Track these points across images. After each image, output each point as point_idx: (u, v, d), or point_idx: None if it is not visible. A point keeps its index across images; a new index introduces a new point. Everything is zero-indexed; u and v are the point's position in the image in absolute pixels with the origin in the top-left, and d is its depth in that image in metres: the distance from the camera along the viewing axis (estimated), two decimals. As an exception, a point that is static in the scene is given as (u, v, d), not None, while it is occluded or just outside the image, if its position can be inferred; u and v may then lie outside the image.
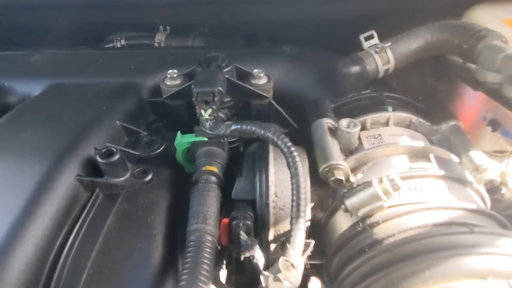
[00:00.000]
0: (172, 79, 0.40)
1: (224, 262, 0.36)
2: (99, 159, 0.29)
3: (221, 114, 0.40)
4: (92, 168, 0.31)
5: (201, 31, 0.60)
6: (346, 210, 0.30)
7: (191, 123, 0.40)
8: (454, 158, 0.34)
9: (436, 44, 0.40)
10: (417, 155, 0.32)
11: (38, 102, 0.38)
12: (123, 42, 0.61)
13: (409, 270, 0.22)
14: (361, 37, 0.41)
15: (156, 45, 0.59)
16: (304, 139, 0.37)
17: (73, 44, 0.60)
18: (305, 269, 0.38)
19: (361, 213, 0.28)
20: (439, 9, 0.53)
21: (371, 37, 0.41)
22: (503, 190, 0.42)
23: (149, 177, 0.31)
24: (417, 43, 0.40)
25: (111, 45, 0.62)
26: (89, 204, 0.29)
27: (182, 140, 0.36)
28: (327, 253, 0.32)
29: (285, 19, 0.55)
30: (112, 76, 0.44)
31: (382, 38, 0.42)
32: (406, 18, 0.52)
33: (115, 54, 0.49)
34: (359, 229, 0.28)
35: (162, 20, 0.59)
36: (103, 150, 0.30)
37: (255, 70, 0.40)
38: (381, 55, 0.39)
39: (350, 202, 0.29)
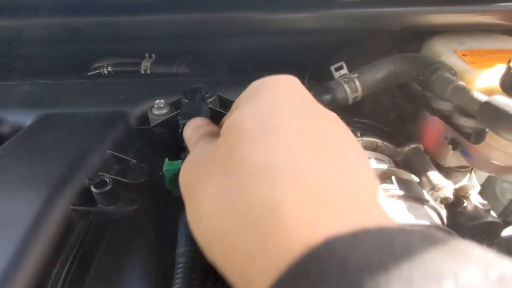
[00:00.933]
0: (159, 108, 0.43)
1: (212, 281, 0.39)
2: (93, 189, 0.31)
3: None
4: (85, 197, 0.33)
5: (185, 58, 0.63)
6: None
7: (177, 149, 0.43)
8: (415, 178, 0.38)
9: (397, 74, 0.44)
10: (381, 176, 0.35)
11: (30, 134, 0.40)
12: (109, 69, 0.64)
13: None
14: (332, 68, 0.45)
15: (143, 72, 0.62)
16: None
17: (60, 71, 0.62)
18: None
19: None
20: (403, 38, 0.58)
21: (341, 67, 0.46)
22: (465, 203, 0.46)
23: (139, 205, 0.34)
24: (381, 73, 0.45)
25: (97, 71, 0.65)
26: (83, 232, 0.32)
27: (170, 167, 0.38)
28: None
29: (266, 48, 0.60)
30: (101, 105, 0.46)
31: (350, 64, 0.46)
32: (373, 45, 0.57)
33: (103, 83, 0.52)
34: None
35: (147, 48, 0.62)
36: (97, 180, 0.32)
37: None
38: (350, 85, 0.44)
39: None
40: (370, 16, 0.48)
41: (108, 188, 0.32)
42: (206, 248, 0.16)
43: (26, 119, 0.44)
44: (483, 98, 0.34)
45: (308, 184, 0.14)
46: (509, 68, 0.37)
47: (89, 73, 0.65)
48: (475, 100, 0.34)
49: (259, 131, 0.16)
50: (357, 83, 0.44)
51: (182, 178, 0.21)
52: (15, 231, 0.28)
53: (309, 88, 0.44)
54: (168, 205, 0.40)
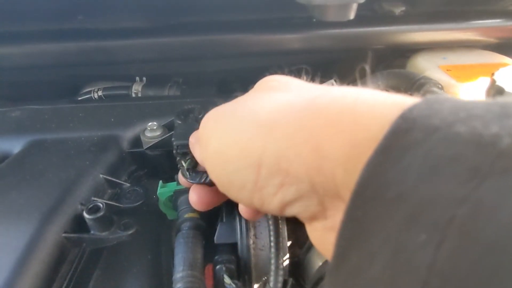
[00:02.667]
0: (152, 130, 0.43)
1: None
2: (86, 215, 0.31)
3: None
4: (78, 224, 0.32)
5: (175, 80, 0.64)
6: (320, 246, 0.33)
7: (171, 171, 0.43)
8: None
9: (386, 90, 0.46)
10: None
11: (20, 160, 0.39)
12: (100, 93, 0.64)
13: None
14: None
15: (133, 95, 0.62)
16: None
17: (50, 96, 0.62)
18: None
19: (333, 248, 0.31)
20: (389, 55, 0.60)
21: (331, 85, 0.47)
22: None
23: (133, 229, 0.33)
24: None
25: (88, 96, 0.65)
26: (76, 260, 0.30)
27: (164, 189, 0.38)
28: (306, 288, 0.34)
29: (255, 68, 0.61)
30: (93, 129, 0.46)
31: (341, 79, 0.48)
32: (359, 63, 0.59)
33: (94, 107, 0.51)
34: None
35: (138, 71, 0.63)
36: (90, 206, 0.31)
37: (230, 119, 0.44)
38: (340, 101, 0.45)
39: (322, 238, 0.32)
40: (355, 35, 0.50)
41: (101, 213, 0.31)
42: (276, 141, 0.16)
43: (15, 145, 0.43)
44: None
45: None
46: (493, 80, 0.39)
47: (79, 98, 0.65)
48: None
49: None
50: (347, 99, 0.45)
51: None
52: (5, 262, 0.27)
53: None
54: (164, 228, 0.39)
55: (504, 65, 0.51)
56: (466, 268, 0.09)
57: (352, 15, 0.38)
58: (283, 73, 0.21)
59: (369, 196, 0.12)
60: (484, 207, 0.09)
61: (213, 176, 0.20)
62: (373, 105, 0.14)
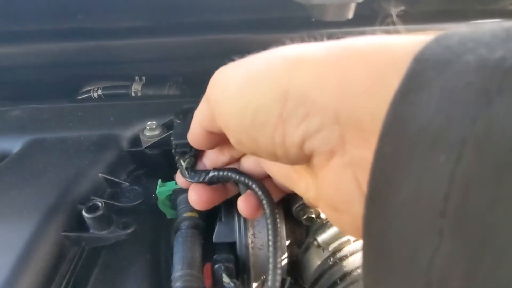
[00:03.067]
0: (151, 130, 0.43)
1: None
2: (85, 214, 0.31)
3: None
4: (77, 223, 0.32)
5: (175, 80, 0.64)
6: (319, 246, 0.33)
7: (170, 170, 0.43)
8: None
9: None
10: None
11: (20, 159, 0.39)
12: (99, 92, 0.64)
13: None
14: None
15: (133, 94, 0.62)
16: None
17: (49, 95, 0.62)
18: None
19: (331, 247, 0.31)
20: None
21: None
22: None
23: (132, 228, 0.33)
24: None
25: (87, 95, 0.65)
26: (76, 259, 0.31)
27: (163, 189, 0.38)
28: (305, 287, 0.35)
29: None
30: (92, 128, 0.46)
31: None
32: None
33: (94, 107, 0.51)
34: (330, 263, 0.31)
35: (137, 71, 0.63)
36: (89, 205, 0.32)
37: (229, 118, 0.44)
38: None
39: (321, 238, 0.32)
40: (353, 35, 0.50)
41: (100, 212, 0.31)
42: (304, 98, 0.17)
43: (14, 144, 0.43)
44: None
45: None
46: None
47: (79, 97, 0.65)
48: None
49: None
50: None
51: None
52: (6, 260, 0.27)
53: None
54: (163, 227, 0.39)
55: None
56: (482, 176, 0.10)
57: (350, 15, 0.38)
58: None
59: (395, 134, 0.13)
60: (495, 122, 0.10)
61: (232, 119, 0.20)
62: (395, 40, 0.15)
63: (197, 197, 0.29)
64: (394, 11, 0.54)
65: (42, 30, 0.52)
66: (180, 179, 0.32)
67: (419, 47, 0.13)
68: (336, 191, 0.18)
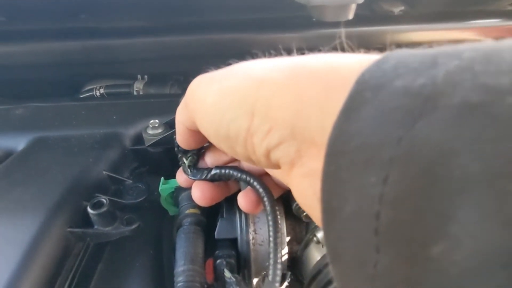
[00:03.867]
0: (154, 128, 0.44)
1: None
2: (90, 211, 0.31)
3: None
4: (82, 219, 0.33)
5: (177, 78, 0.65)
6: (318, 242, 0.33)
7: (172, 167, 0.43)
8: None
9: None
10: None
11: (24, 157, 0.40)
12: (102, 91, 0.64)
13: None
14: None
15: (135, 93, 0.62)
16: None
17: (52, 94, 0.63)
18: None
19: (330, 244, 0.32)
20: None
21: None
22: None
23: (136, 225, 0.34)
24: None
25: (90, 94, 0.65)
26: (81, 254, 0.31)
27: (166, 186, 0.39)
28: (304, 283, 0.35)
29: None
30: (95, 127, 0.46)
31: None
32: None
33: (97, 105, 0.52)
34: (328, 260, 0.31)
35: (139, 69, 0.63)
36: (94, 202, 0.32)
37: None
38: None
39: (320, 234, 0.33)
40: (354, 36, 0.50)
41: (105, 209, 0.32)
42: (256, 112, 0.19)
43: (19, 143, 0.44)
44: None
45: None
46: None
47: (81, 96, 0.66)
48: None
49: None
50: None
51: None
52: (12, 256, 0.28)
53: None
54: (165, 224, 0.40)
55: (501, 64, 0.52)
56: (406, 194, 0.11)
57: (351, 15, 0.38)
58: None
59: (337, 152, 0.14)
60: (416, 143, 0.11)
61: (210, 129, 0.22)
62: (345, 60, 0.17)
63: (201, 193, 0.29)
64: (394, 11, 0.54)
65: (46, 29, 0.53)
66: (181, 178, 0.32)
67: (363, 69, 0.14)
68: (300, 197, 0.20)
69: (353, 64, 0.16)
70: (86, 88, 0.66)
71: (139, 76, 0.64)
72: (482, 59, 0.12)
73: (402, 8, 0.55)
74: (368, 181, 0.12)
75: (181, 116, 0.27)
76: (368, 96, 0.13)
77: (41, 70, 0.58)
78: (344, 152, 0.14)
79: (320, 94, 0.16)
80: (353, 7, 0.37)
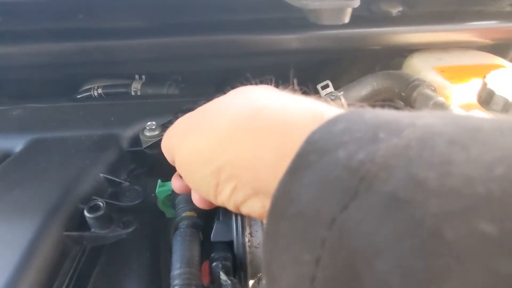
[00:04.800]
0: (151, 130, 0.44)
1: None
2: (87, 214, 0.32)
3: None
4: (79, 222, 0.33)
5: (175, 78, 0.65)
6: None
7: (169, 169, 0.44)
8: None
9: (381, 90, 0.46)
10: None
11: (22, 159, 0.40)
12: (100, 91, 0.64)
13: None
14: (318, 87, 0.47)
15: (133, 93, 0.62)
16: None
17: (49, 94, 0.63)
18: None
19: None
20: (386, 55, 0.61)
21: (327, 86, 0.47)
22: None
23: (133, 227, 0.34)
24: (365, 90, 0.47)
25: (87, 94, 0.65)
26: (77, 257, 0.32)
27: (163, 189, 0.39)
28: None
29: (254, 67, 0.61)
30: (92, 128, 0.46)
31: (336, 82, 0.48)
32: (357, 63, 0.60)
33: (94, 106, 0.52)
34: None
35: (137, 70, 0.63)
36: (90, 205, 0.32)
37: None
38: (336, 102, 0.45)
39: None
40: (353, 37, 0.50)
41: (101, 212, 0.32)
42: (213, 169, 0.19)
43: (16, 144, 0.44)
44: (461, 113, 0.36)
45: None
46: (484, 83, 0.40)
47: (79, 96, 0.65)
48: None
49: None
50: (343, 100, 0.45)
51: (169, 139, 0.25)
52: (8, 259, 0.28)
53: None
54: (162, 226, 0.40)
55: (497, 66, 0.52)
56: (335, 282, 0.11)
57: (347, 19, 0.38)
58: (252, 83, 0.24)
59: (278, 214, 0.14)
60: (346, 228, 0.11)
61: (186, 181, 0.23)
62: (298, 118, 0.17)
63: (200, 196, 0.29)
64: (392, 12, 0.54)
65: (43, 30, 0.52)
66: (176, 183, 0.32)
67: (315, 127, 0.14)
68: None
69: (307, 119, 0.16)
70: (84, 88, 0.66)
71: (136, 76, 0.64)
72: (418, 142, 0.11)
73: (400, 9, 0.55)
74: (303, 258, 0.12)
75: (166, 157, 0.27)
76: (313, 159, 0.13)
77: (38, 70, 0.58)
78: (284, 217, 0.13)
79: (273, 154, 0.17)
80: (349, 10, 0.37)
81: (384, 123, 0.13)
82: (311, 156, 0.13)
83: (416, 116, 0.13)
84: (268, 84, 0.24)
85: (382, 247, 0.10)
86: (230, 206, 0.20)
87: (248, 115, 0.19)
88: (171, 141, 0.24)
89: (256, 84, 0.23)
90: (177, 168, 0.24)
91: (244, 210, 0.20)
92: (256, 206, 0.19)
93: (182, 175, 0.24)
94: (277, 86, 0.23)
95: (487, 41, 0.56)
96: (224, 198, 0.20)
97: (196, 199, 0.30)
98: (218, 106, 0.22)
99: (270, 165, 0.17)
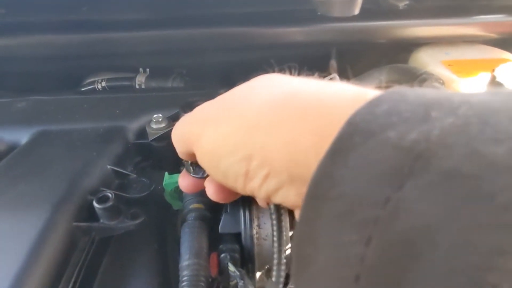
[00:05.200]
0: (157, 122, 0.44)
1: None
2: (96, 205, 0.32)
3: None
4: (87, 213, 0.33)
5: (179, 71, 0.64)
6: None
7: (175, 162, 0.44)
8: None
9: (388, 84, 0.46)
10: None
11: (28, 151, 0.40)
12: (104, 84, 0.64)
13: None
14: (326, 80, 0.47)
15: (137, 86, 0.62)
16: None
17: (53, 86, 0.62)
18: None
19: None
20: (393, 49, 0.60)
21: (334, 79, 0.47)
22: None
23: (141, 219, 0.34)
24: (373, 84, 0.47)
25: (91, 86, 0.65)
26: (87, 248, 0.32)
27: (170, 181, 0.39)
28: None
29: (259, 60, 0.61)
30: (98, 121, 0.46)
31: (342, 76, 0.48)
32: (364, 56, 0.59)
33: (99, 99, 0.52)
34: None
35: (141, 63, 0.63)
36: (99, 196, 0.32)
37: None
38: (343, 95, 0.45)
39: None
40: (359, 30, 0.50)
41: (110, 203, 0.32)
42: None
43: (22, 136, 0.44)
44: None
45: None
46: (493, 76, 0.40)
47: (83, 89, 0.65)
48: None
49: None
50: (349, 93, 0.45)
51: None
52: (19, 250, 0.28)
53: None
54: (169, 218, 0.40)
55: (505, 60, 0.52)
56: (389, 261, 0.11)
57: (357, 11, 0.38)
58: (273, 71, 0.23)
59: (318, 196, 0.13)
60: (403, 207, 0.11)
61: (209, 172, 0.23)
62: (338, 95, 0.17)
63: (215, 189, 0.28)
64: (399, 5, 0.54)
65: (48, 22, 0.52)
66: (184, 182, 0.30)
67: (355, 109, 0.14)
68: None
69: (346, 101, 0.16)
70: (87, 81, 0.66)
71: (141, 70, 0.64)
72: (478, 119, 0.11)
73: (407, 2, 0.54)
74: (349, 238, 0.12)
75: (178, 147, 0.26)
76: (357, 141, 0.13)
77: (41, 62, 0.58)
78: (325, 199, 0.13)
79: (313, 135, 0.16)
80: (359, 2, 0.37)
81: (434, 102, 0.13)
82: (355, 138, 0.13)
83: (467, 94, 0.13)
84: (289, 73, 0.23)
85: (446, 222, 0.10)
86: (261, 195, 0.19)
87: (281, 98, 0.18)
88: (189, 131, 0.23)
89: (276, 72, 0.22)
90: (198, 158, 0.23)
91: (277, 199, 0.19)
92: (291, 195, 0.18)
93: (204, 165, 0.23)
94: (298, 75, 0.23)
95: (493, 35, 0.56)
96: (255, 187, 0.19)
97: (212, 192, 0.28)
98: (243, 92, 0.21)
99: (309, 149, 0.16)
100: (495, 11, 0.56)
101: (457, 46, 0.55)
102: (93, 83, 0.65)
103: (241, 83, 0.22)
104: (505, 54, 0.54)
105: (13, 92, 0.55)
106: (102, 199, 0.32)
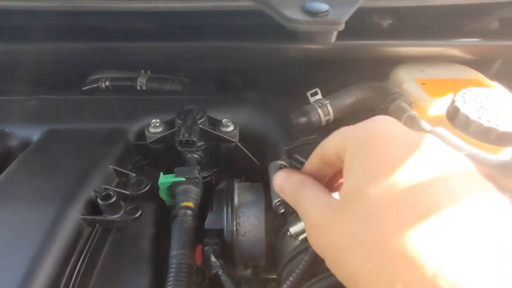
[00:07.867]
0: (155, 127, 0.49)
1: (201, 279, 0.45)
2: (100, 202, 0.37)
3: (196, 156, 0.49)
4: (92, 208, 0.39)
5: (178, 75, 0.69)
6: (291, 236, 0.39)
7: (170, 162, 0.49)
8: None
9: (364, 101, 0.51)
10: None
11: (40, 150, 0.45)
12: (108, 83, 0.69)
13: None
14: (308, 94, 0.52)
15: (138, 87, 0.67)
16: (265, 175, 0.47)
17: (56, 83, 0.66)
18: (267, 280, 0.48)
19: (300, 238, 0.38)
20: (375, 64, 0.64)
21: (316, 93, 0.52)
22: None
23: (138, 213, 0.39)
24: (350, 100, 0.51)
25: (95, 85, 0.69)
26: (90, 238, 0.37)
27: (164, 180, 0.44)
28: (278, 269, 0.42)
29: (253, 69, 0.65)
30: (102, 121, 0.51)
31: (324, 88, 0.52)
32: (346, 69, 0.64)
33: (103, 100, 0.57)
34: (298, 250, 0.37)
35: (142, 65, 0.68)
36: (103, 193, 0.38)
37: (224, 120, 0.50)
38: (322, 109, 0.50)
39: (293, 229, 0.39)
40: (343, 48, 0.54)
41: (113, 200, 0.37)
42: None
43: (33, 134, 0.49)
44: (427, 128, 0.41)
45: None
46: (453, 100, 0.44)
47: (87, 86, 0.70)
48: (421, 130, 0.41)
49: (389, 204, 0.18)
50: (329, 107, 0.50)
51: (315, 240, 0.24)
52: (34, 238, 0.33)
53: (289, 113, 0.51)
54: (163, 213, 0.46)
55: (476, 81, 0.56)
56: None
57: (333, 40, 0.43)
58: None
59: None
60: None
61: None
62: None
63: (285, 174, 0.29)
64: (383, 24, 0.58)
65: (50, 28, 0.55)
66: (277, 181, 0.31)
67: None
68: None
69: None
70: (91, 78, 0.70)
71: (142, 71, 0.68)
72: None
73: (391, 21, 0.59)
74: None
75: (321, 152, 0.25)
76: None
77: (51, 66, 0.62)
78: None
79: None
80: (335, 33, 0.41)
81: None
82: None
83: None
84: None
85: None
86: None
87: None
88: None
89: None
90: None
91: None
92: None
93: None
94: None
95: (470, 56, 0.60)
96: None
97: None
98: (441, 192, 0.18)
99: None
100: (473, 34, 0.60)
101: (434, 65, 0.59)
102: (97, 81, 0.69)
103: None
104: (478, 76, 0.58)
105: (24, 90, 0.59)
106: (106, 197, 0.38)
